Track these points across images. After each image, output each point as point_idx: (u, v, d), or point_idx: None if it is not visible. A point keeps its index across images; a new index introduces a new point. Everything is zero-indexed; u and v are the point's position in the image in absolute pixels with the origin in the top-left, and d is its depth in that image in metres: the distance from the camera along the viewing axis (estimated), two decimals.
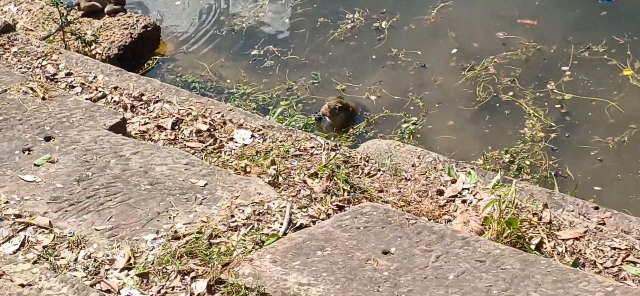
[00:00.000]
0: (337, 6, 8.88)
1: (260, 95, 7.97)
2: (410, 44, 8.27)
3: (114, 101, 6.17)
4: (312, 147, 5.60)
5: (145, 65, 8.57)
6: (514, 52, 7.89)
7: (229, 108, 6.03)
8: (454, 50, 8.10)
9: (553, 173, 6.78)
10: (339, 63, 8.26)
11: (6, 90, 5.64)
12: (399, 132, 7.35)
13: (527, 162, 6.84)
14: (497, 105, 7.53)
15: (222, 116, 5.94)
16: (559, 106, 7.39)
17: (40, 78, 6.39)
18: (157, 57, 8.63)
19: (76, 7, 8.72)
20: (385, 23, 8.55)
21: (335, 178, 5.17)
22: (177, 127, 5.89)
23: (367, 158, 5.51)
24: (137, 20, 8.67)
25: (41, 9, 8.90)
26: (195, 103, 6.08)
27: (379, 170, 5.42)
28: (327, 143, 5.63)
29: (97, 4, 8.77)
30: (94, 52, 8.31)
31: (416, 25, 8.47)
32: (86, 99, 6.16)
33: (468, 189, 5.15)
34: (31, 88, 5.67)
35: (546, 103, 7.39)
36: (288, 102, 7.84)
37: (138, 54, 8.62)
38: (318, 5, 8.94)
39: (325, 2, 8.95)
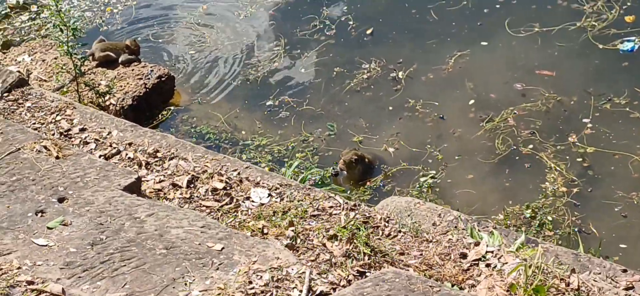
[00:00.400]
0: (352, 56, 8.79)
1: (275, 147, 7.85)
2: (428, 95, 8.16)
3: (129, 158, 6.06)
4: (331, 207, 5.47)
5: (160, 115, 8.48)
6: (533, 104, 7.77)
7: (245, 165, 5.91)
8: (472, 101, 8.00)
9: (576, 230, 6.62)
10: (355, 114, 8.15)
11: (20, 149, 5.53)
12: (417, 185, 7.22)
13: (549, 218, 6.70)
14: (517, 158, 7.39)
15: (239, 173, 5.82)
16: (580, 159, 7.25)
17: (53, 134, 6.28)
18: (172, 108, 8.53)
19: (90, 58, 8.63)
20: (402, 73, 8.44)
21: (355, 241, 5.03)
22: (192, 185, 5.77)
23: (388, 219, 5.37)
24: (152, 71, 8.59)
25: (55, 59, 8.83)
26: (211, 160, 5.96)
27: (400, 230, 5.28)
28: (346, 203, 5.50)
29: (112, 54, 8.70)
30: (108, 102, 8.22)
31: (434, 75, 8.37)
32: (100, 156, 6.05)
33: (492, 252, 5.01)
34: (45, 147, 5.56)
35: (567, 157, 7.26)
36: (304, 154, 7.72)
37: (152, 104, 8.52)
38: (334, 55, 8.84)
39: (341, 52, 8.86)
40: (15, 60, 8.94)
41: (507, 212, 6.83)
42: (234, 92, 8.66)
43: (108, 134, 6.31)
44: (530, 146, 7.42)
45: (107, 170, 5.40)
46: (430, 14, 9.12)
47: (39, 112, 6.58)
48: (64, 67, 8.47)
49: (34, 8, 10.23)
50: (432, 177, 7.25)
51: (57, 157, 5.48)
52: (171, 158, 6.02)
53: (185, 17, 9.76)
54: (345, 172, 7.39)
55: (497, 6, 8.99)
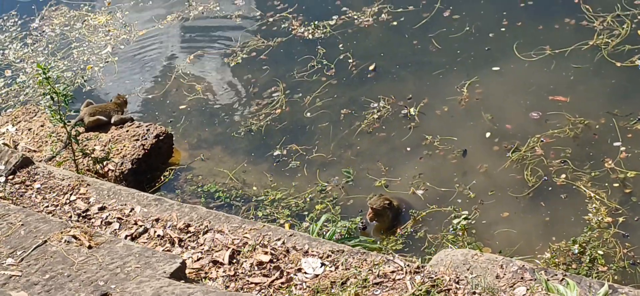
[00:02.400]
0: (357, 95, 8.39)
1: (291, 201, 7.42)
2: (444, 129, 7.79)
3: (158, 236, 5.58)
4: (393, 272, 5.06)
5: (162, 177, 8.00)
6: (560, 130, 7.41)
7: (289, 233, 5.47)
8: (491, 132, 7.64)
9: (631, 263, 6.26)
10: (370, 157, 7.75)
11: (46, 241, 5.03)
12: (451, 228, 6.82)
13: (600, 252, 6.32)
14: (550, 188, 7.05)
15: (283, 243, 5.37)
16: (618, 185, 6.91)
17: (71, 216, 5.78)
18: (173, 167, 8.04)
19: (79, 122, 8.12)
20: (413, 109, 8.04)
21: None
22: (235, 261, 5.32)
23: (457, 280, 4.95)
24: (148, 130, 8.12)
25: (42, 126, 8.31)
26: (249, 230, 5.51)
27: (474, 292, 4.86)
28: (408, 266, 5.08)
29: (102, 117, 8.20)
30: (106, 169, 7.72)
31: (448, 108, 8.00)
32: (126, 236, 5.57)
33: None
34: (74, 237, 5.07)
35: (606, 184, 6.92)
36: (324, 205, 7.28)
37: (152, 165, 8.06)
38: (338, 96, 8.44)
39: (344, 92, 8.46)
40: None
41: (553, 249, 6.45)
42: (237, 145, 8.21)
43: (131, 211, 5.83)
44: (563, 176, 7.05)
45: (147, 257, 4.92)
46: (432, 43, 8.75)
47: (50, 193, 6.08)
48: (52, 135, 7.96)
49: (8, 73, 9.67)
50: (465, 218, 6.86)
51: (90, 247, 4.99)
52: (205, 232, 5.56)
53: (174, 69, 9.26)
54: (374, 222, 6.97)
55: (502, 30, 8.66)
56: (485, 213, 6.93)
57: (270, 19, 9.58)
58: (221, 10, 9.95)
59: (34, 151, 8.05)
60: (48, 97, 7.26)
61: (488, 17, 8.86)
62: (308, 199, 7.39)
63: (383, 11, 9.27)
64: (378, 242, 6.84)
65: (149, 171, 8.01)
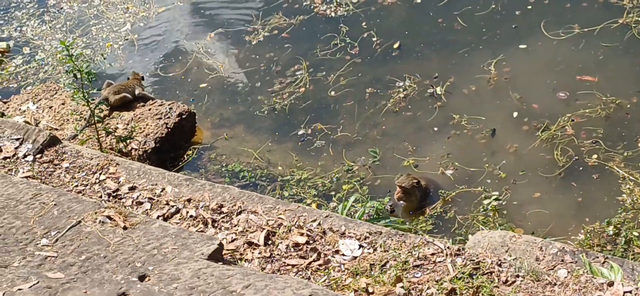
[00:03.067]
0: (382, 74, 8.28)
1: (318, 180, 7.33)
2: (472, 109, 7.68)
3: (191, 216, 5.49)
4: (433, 254, 4.96)
5: (185, 156, 7.90)
6: (592, 109, 7.29)
7: (325, 214, 5.37)
8: (520, 112, 7.55)
9: None
10: (397, 136, 7.64)
11: (80, 222, 4.94)
12: (482, 209, 6.72)
13: (635, 233, 6.23)
14: (581, 168, 6.95)
15: (319, 224, 5.28)
16: None
17: (101, 196, 5.68)
18: (196, 146, 7.95)
19: (105, 102, 8.02)
20: (440, 88, 7.93)
21: (480, 294, 4.51)
22: (270, 242, 5.22)
23: (500, 262, 4.86)
24: (170, 108, 8.01)
25: (63, 104, 8.22)
26: (284, 211, 5.41)
27: (518, 275, 4.77)
28: (448, 248, 4.98)
29: (128, 95, 8.09)
30: (129, 147, 7.62)
31: (475, 87, 7.89)
32: (158, 216, 5.48)
33: (630, 292, 4.52)
34: (108, 217, 4.97)
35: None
36: (351, 185, 7.20)
37: (175, 144, 7.96)
38: (362, 75, 8.32)
39: (369, 70, 8.34)
40: (20, 109, 8.31)
41: (587, 231, 6.36)
42: (260, 123, 8.10)
43: (162, 191, 5.74)
44: (595, 156, 6.95)
45: (184, 238, 4.83)
46: (457, 21, 8.63)
47: (79, 172, 5.98)
48: (74, 113, 7.87)
49: (26, 50, 9.57)
50: (496, 199, 6.76)
51: (125, 227, 4.90)
52: (239, 213, 5.46)
53: (194, 47, 9.15)
54: (402, 202, 6.87)
55: (529, 7, 8.53)
56: (515, 194, 6.84)
57: None
58: None
59: (56, 129, 7.95)
60: (71, 74, 7.12)
61: None
62: (335, 179, 7.30)
63: None
64: (407, 223, 6.74)
65: (172, 150, 7.93)
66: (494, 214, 6.68)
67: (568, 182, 6.86)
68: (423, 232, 6.62)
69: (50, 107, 8.27)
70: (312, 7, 9.24)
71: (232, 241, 5.26)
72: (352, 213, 6.62)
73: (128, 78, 8.33)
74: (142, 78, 8.34)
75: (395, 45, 8.53)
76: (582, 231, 6.40)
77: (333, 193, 7.17)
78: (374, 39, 8.65)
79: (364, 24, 8.87)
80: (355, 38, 8.72)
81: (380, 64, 8.37)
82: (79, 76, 7.14)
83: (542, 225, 6.53)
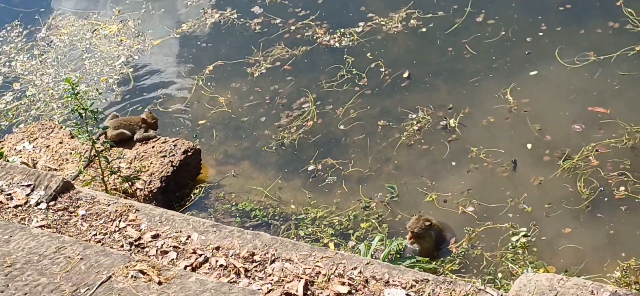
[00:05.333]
0: (393, 106, 8.04)
1: (334, 219, 7.05)
2: (489, 141, 7.47)
3: (221, 265, 5.19)
4: None
5: (191, 195, 7.59)
6: (617, 139, 7.09)
7: (365, 261, 5.09)
8: (535, 144, 7.32)
9: None
10: (412, 171, 7.40)
11: (110, 277, 4.62)
12: (510, 246, 6.48)
13: None
14: (606, 199, 6.71)
15: (360, 272, 5.00)
16: None
17: (122, 245, 5.37)
18: (203, 185, 7.64)
19: (102, 137, 7.70)
20: (453, 120, 7.70)
21: None
22: (309, 292, 4.92)
23: None
24: (175, 145, 7.71)
25: (61, 143, 7.88)
26: (321, 258, 5.13)
27: None
28: (501, 295, 4.72)
29: (126, 131, 7.78)
30: (134, 188, 7.30)
31: (492, 118, 7.66)
32: (185, 267, 5.17)
33: None
34: (141, 271, 4.66)
35: None
36: (369, 223, 6.93)
37: (180, 183, 7.64)
38: (372, 107, 8.08)
39: (378, 102, 8.11)
40: (15, 148, 7.95)
41: (623, 268, 6.14)
42: (267, 159, 7.83)
43: (187, 239, 5.43)
44: (622, 188, 6.73)
45: (224, 293, 4.55)
46: (466, 49, 8.41)
47: (96, 220, 5.66)
48: (75, 153, 7.54)
49: (16, 85, 9.22)
50: (524, 235, 6.52)
51: (159, 283, 4.59)
52: (273, 261, 5.17)
53: (193, 80, 8.84)
54: (416, 246, 6.60)
55: (540, 34, 8.34)
56: (544, 229, 6.60)
57: (293, 27, 9.20)
58: (239, 17, 9.54)
59: (55, 170, 7.62)
60: (75, 113, 6.80)
61: (523, 21, 8.55)
62: (352, 216, 7.04)
63: (412, 17, 8.93)
64: (434, 263, 6.49)
65: (177, 189, 7.61)
66: (523, 251, 6.44)
67: (597, 215, 6.65)
68: (450, 272, 6.37)
69: (48, 146, 7.94)
70: (314, 37, 9.00)
71: (269, 292, 4.97)
72: (373, 253, 6.36)
73: (143, 115, 7.97)
74: (156, 121, 7.98)
75: (405, 75, 8.28)
76: (618, 268, 6.16)
77: (351, 231, 6.91)
78: (382, 70, 8.41)
79: (369, 54, 8.64)
80: (362, 69, 8.48)
81: (390, 95, 8.14)
82: (84, 115, 6.82)
83: (576, 262, 6.30)
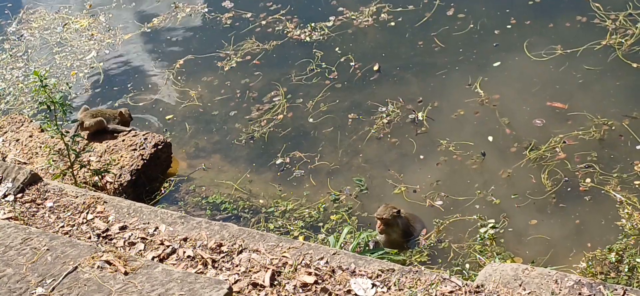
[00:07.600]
0: (363, 99, 8.06)
1: (304, 211, 7.06)
2: (458, 134, 7.52)
3: (188, 256, 5.21)
4: (451, 292, 4.75)
5: (162, 188, 7.59)
6: (585, 131, 7.15)
7: (331, 252, 5.13)
8: (509, 135, 7.35)
9: None
10: (381, 164, 7.43)
11: (77, 267, 4.63)
12: (479, 238, 6.52)
13: (638, 260, 6.08)
14: (569, 190, 6.79)
15: (327, 262, 5.03)
16: None
17: (89, 236, 5.37)
18: (173, 178, 7.63)
19: (79, 128, 7.66)
20: (421, 114, 7.73)
21: None
22: (276, 283, 4.95)
23: None
24: (145, 139, 7.70)
25: (30, 137, 7.85)
26: (288, 249, 5.16)
27: None
28: (466, 285, 4.77)
29: (105, 120, 7.75)
30: (104, 181, 7.29)
31: (461, 111, 7.70)
32: (153, 258, 5.19)
33: None
34: (107, 262, 4.66)
35: (637, 184, 6.65)
36: (339, 216, 6.95)
37: (150, 176, 7.64)
38: (341, 100, 8.10)
39: (348, 95, 8.14)
40: None
41: (588, 258, 6.20)
42: (238, 153, 7.84)
43: (155, 230, 5.44)
44: (588, 179, 6.80)
45: (190, 282, 4.56)
46: (434, 42, 8.45)
47: (64, 212, 5.66)
48: (45, 146, 7.50)
49: None
50: (493, 227, 6.58)
51: (126, 273, 4.60)
52: (240, 252, 5.20)
53: (164, 74, 8.84)
54: (383, 236, 6.64)
55: (509, 27, 8.40)
56: (512, 221, 6.66)
57: (263, 22, 9.22)
58: (210, 11, 9.54)
59: (24, 163, 7.60)
60: (44, 106, 6.78)
61: (493, 15, 8.61)
62: (321, 209, 7.06)
63: (382, 11, 8.96)
64: (402, 254, 6.53)
65: (148, 182, 7.61)
66: (491, 243, 6.49)
67: (563, 207, 6.70)
68: (418, 263, 6.41)
69: (17, 140, 7.91)
70: (285, 31, 9.02)
71: (236, 282, 5.00)
72: (343, 244, 6.40)
73: (119, 110, 7.95)
74: (131, 118, 7.98)
75: (375, 68, 8.32)
76: (583, 258, 6.23)
77: (321, 224, 6.93)
78: (353, 64, 8.44)
79: (338, 49, 8.66)
80: (331, 62, 8.51)
81: (360, 88, 8.17)
82: (52, 108, 6.79)
83: (542, 252, 6.36)
